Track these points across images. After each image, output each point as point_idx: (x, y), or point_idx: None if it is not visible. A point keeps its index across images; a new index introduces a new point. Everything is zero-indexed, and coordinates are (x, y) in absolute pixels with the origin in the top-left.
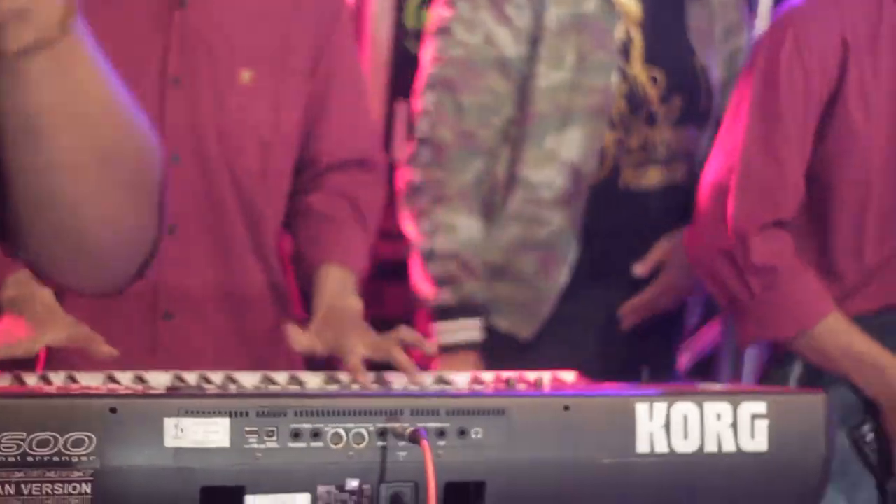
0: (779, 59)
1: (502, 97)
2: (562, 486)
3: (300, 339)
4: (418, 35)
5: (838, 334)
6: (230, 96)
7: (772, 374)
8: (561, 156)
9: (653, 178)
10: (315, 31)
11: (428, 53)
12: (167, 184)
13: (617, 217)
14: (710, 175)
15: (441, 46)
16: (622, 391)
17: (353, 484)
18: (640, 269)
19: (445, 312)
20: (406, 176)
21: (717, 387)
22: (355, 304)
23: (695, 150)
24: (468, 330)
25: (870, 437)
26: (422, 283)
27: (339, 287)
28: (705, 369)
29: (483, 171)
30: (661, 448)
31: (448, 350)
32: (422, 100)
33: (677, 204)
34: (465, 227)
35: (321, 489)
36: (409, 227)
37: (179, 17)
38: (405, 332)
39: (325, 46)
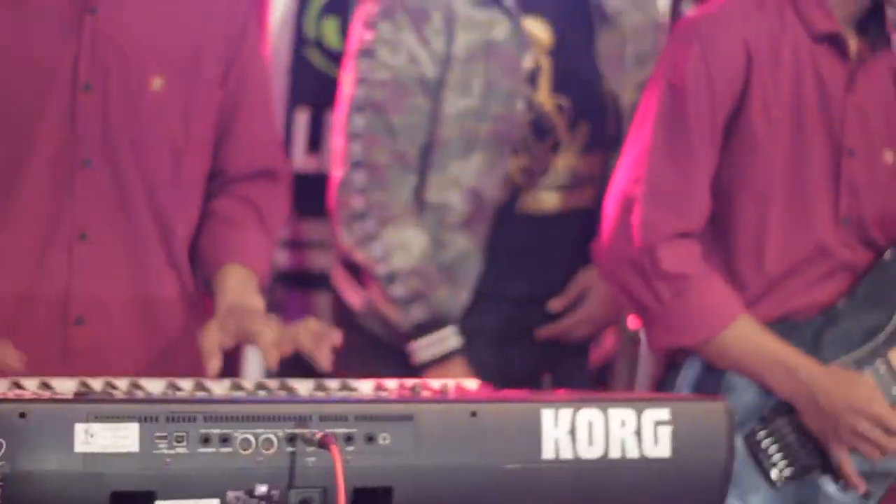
0: (684, 69)
1: (425, 116)
2: (468, 493)
3: (206, 332)
4: (318, 43)
5: (748, 337)
6: (141, 103)
7: (667, 381)
8: (463, 182)
9: (551, 202)
10: (226, 40)
11: (350, 76)
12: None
13: (516, 239)
14: (617, 186)
15: (365, 68)
16: (528, 398)
17: (262, 489)
18: (556, 304)
19: (422, 328)
20: (342, 203)
21: (621, 393)
22: (258, 302)
23: (603, 174)
24: (449, 338)
25: (766, 442)
26: (386, 307)
27: (241, 285)
28: (602, 376)
29: (415, 189)
30: (567, 454)
31: (437, 362)
32: (350, 123)
33: (581, 227)
34: (416, 241)
35: (230, 494)
36: (358, 254)
37: (90, 22)
38: (312, 323)
39: (236, 56)
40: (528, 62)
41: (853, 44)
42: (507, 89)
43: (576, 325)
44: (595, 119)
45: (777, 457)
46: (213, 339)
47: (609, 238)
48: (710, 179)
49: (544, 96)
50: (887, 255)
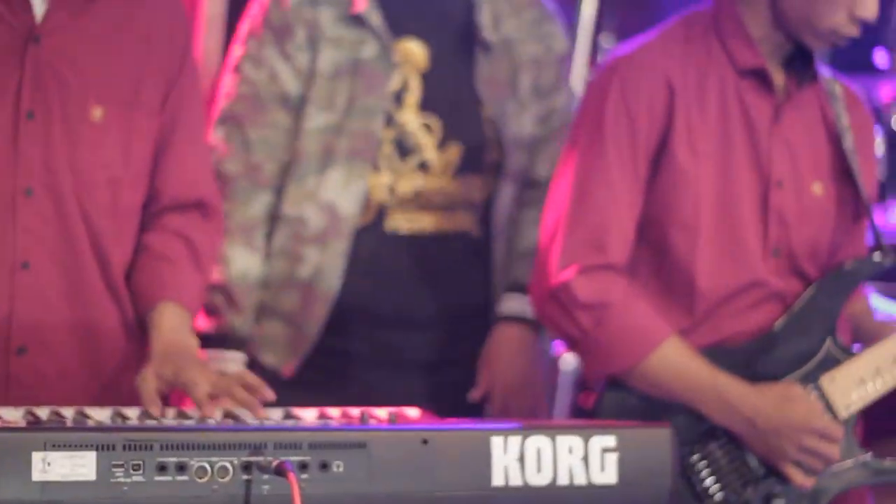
0: (604, 106)
1: (286, 132)
2: None
3: (143, 381)
4: None
5: (676, 362)
6: (82, 132)
7: (580, 407)
8: (320, 196)
9: (427, 223)
10: (165, 68)
11: (221, 91)
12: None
13: (386, 259)
14: (544, 222)
15: (231, 83)
16: (479, 425)
17: None
18: (474, 394)
19: (207, 341)
20: None
21: (568, 421)
22: (193, 342)
23: (484, 201)
24: (232, 361)
25: (699, 466)
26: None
27: (176, 324)
28: None
29: (270, 205)
30: (516, 481)
31: None
32: (213, 135)
33: (460, 250)
34: (240, 260)
35: None
36: None
37: (33, 51)
38: (247, 376)
39: (174, 84)
40: (395, 82)
41: (779, 79)
42: (369, 106)
43: (500, 398)
44: (469, 142)
45: (710, 481)
46: (151, 388)
47: (535, 271)
48: (634, 213)
49: (410, 115)
50: (816, 283)
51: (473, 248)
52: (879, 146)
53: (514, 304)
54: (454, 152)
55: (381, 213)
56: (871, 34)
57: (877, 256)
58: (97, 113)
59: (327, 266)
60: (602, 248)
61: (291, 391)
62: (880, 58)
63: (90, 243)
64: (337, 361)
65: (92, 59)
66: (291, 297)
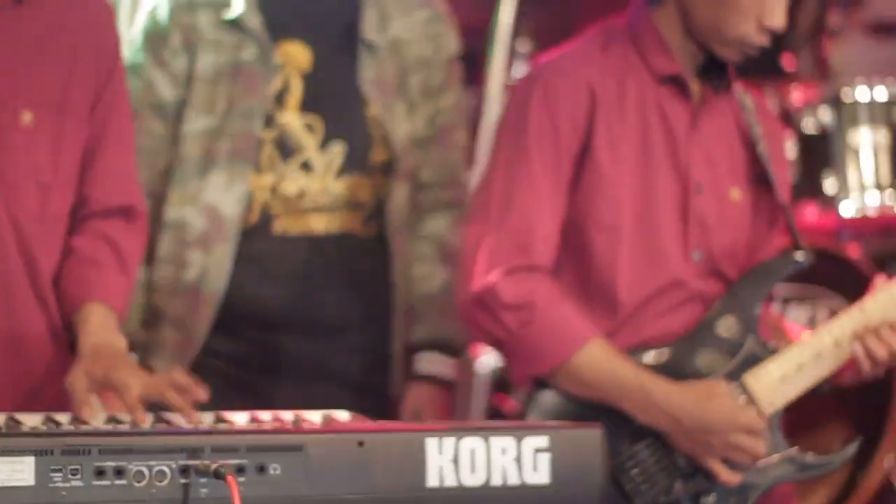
0: (528, 112)
1: (162, 140)
2: None
3: (74, 380)
4: None
5: (601, 361)
6: (11, 137)
7: (496, 409)
8: (202, 199)
9: (317, 225)
10: (95, 74)
11: None
12: None
13: (274, 262)
14: (468, 226)
15: None
16: (414, 427)
17: None
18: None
19: None
20: None
21: (502, 422)
22: (121, 342)
23: (372, 200)
24: None
25: (628, 465)
26: None
27: (103, 324)
28: None
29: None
30: (451, 482)
31: None
32: None
33: (347, 251)
34: None
35: None
36: None
37: None
38: (178, 374)
39: (103, 91)
40: (276, 83)
41: (695, 86)
42: (249, 109)
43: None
44: (354, 142)
45: (638, 480)
46: (82, 387)
47: (460, 276)
48: (558, 216)
49: (291, 116)
50: (736, 283)
51: (360, 249)
52: (791, 152)
53: (429, 364)
54: (337, 152)
55: (266, 214)
56: (778, 38)
57: (794, 255)
58: (27, 118)
59: (212, 269)
60: (527, 250)
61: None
62: (787, 62)
63: (18, 249)
64: (225, 364)
65: (21, 64)
66: (179, 302)
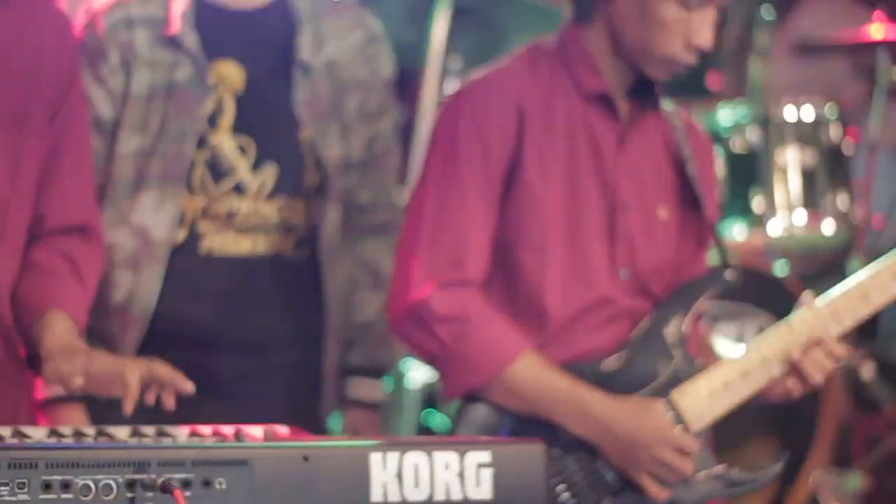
0: (458, 129)
1: (99, 156)
2: None
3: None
4: None
5: (535, 374)
6: None
7: (424, 426)
8: (132, 220)
9: (243, 246)
10: (55, 88)
11: None
12: None
13: (203, 282)
14: (400, 243)
15: None
16: (358, 442)
17: None
18: None
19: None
20: None
21: (445, 437)
22: (86, 347)
23: (305, 223)
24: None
25: (554, 481)
26: None
27: (67, 330)
28: None
29: None
30: (394, 497)
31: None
32: None
33: (276, 274)
34: None
35: None
36: None
37: None
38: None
39: (61, 106)
40: (209, 104)
41: (623, 106)
42: (182, 129)
43: None
44: (285, 163)
45: (565, 496)
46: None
47: (391, 293)
48: (488, 233)
49: (224, 137)
50: (663, 301)
51: (291, 271)
52: (719, 171)
53: (361, 389)
54: (269, 174)
55: (195, 234)
56: (704, 58)
57: (722, 273)
58: None
59: (141, 289)
60: (459, 265)
61: (110, 413)
62: (713, 81)
63: None
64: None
65: None
66: (107, 322)
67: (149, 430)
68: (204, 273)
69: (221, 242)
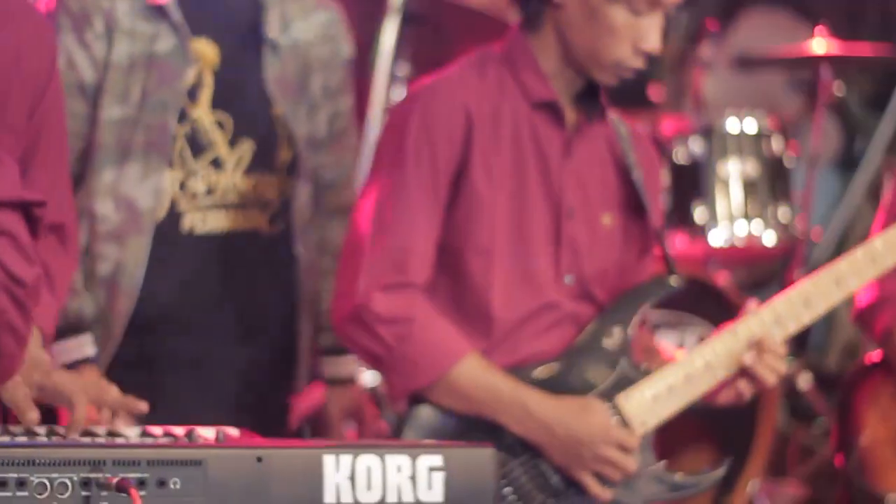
0: (406, 133)
1: (83, 121)
2: None
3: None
4: None
5: (479, 375)
6: None
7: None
8: (119, 190)
9: (219, 222)
10: (33, 86)
11: None
12: None
13: (182, 260)
14: (345, 245)
15: None
16: (312, 444)
17: None
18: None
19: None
20: None
21: (398, 441)
22: (47, 358)
23: (278, 199)
24: (85, 346)
25: (502, 482)
26: None
27: (32, 339)
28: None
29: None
30: (347, 499)
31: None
32: None
33: (252, 250)
34: None
35: None
36: None
37: None
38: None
39: (39, 102)
40: (190, 77)
41: (570, 113)
42: (163, 101)
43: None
44: (260, 140)
45: (511, 498)
46: (24, 394)
47: (336, 295)
48: (434, 236)
49: (203, 112)
50: (608, 306)
51: (265, 247)
52: (664, 179)
53: (335, 366)
54: (246, 149)
55: (174, 211)
56: (646, 69)
57: (667, 280)
58: None
59: (127, 262)
60: (403, 268)
61: None
62: (655, 93)
63: None
64: (135, 365)
65: None
66: (96, 295)
67: (100, 430)
68: (183, 251)
69: (200, 220)
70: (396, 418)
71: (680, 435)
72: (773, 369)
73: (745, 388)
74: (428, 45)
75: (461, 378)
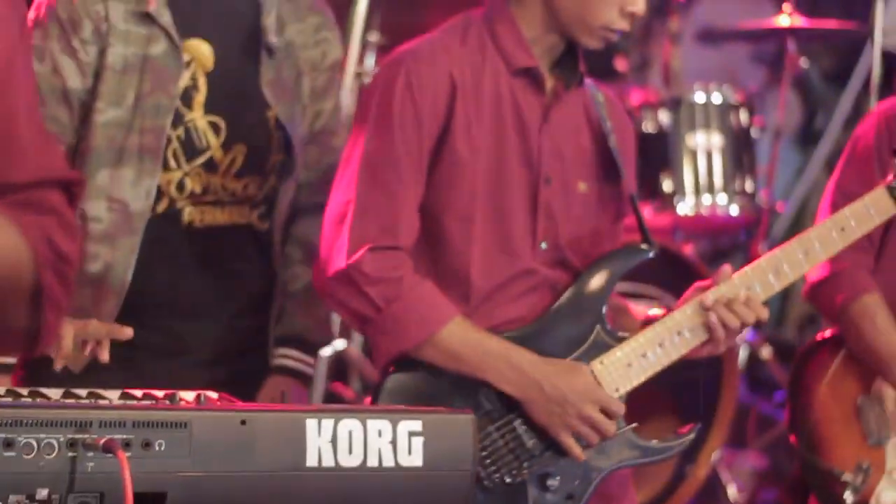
0: (391, 96)
1: (65, 127)
2: (238, 498)
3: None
4: None
5: (468, 334)
6: None
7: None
8: (111, 192)
9: (218, 217)
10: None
11: None
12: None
13: (181, 252)
14: (330, 207)
15: None
16: (295, 408)
17: (42, 493)
18: None
19: None
20: None
21: (379, 406)
22: None
23: (266, 197)
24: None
25: (482, 455)
26: None
27: None
28: None
29: None
30: (329, 462)
31: None
32: None
33: (248, 242)
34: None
35: (12, 498)
36: None
37: None
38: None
39: (9, 60)
40: (184, 80)
41: (549, 80)
42: (158, 104)
43: None
44: (254, 143)
45: (487, 462)
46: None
47: (321, 256)
48: (418, 201)
49: (198, 115)
50: (583, 273)
51: (259, 240)
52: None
53: (282, 358)
54: (239, 152)
55: (172, 207)
56: (610, 42)
57: (641, 246)
58: None
59: (117, 262)
60: (392, 231)
61: (82, 382)
62: (621, 64)
63: None
64: (130, 353)
65: None
66: (82, 293)
67: (81, 392)
68: (182, 243)
69: (198, 213)
70: (373, 386)
71: (642, 405)
72: (740, 315)
73: (718, 338)
74: (400, 13)
75: (451, 337)
